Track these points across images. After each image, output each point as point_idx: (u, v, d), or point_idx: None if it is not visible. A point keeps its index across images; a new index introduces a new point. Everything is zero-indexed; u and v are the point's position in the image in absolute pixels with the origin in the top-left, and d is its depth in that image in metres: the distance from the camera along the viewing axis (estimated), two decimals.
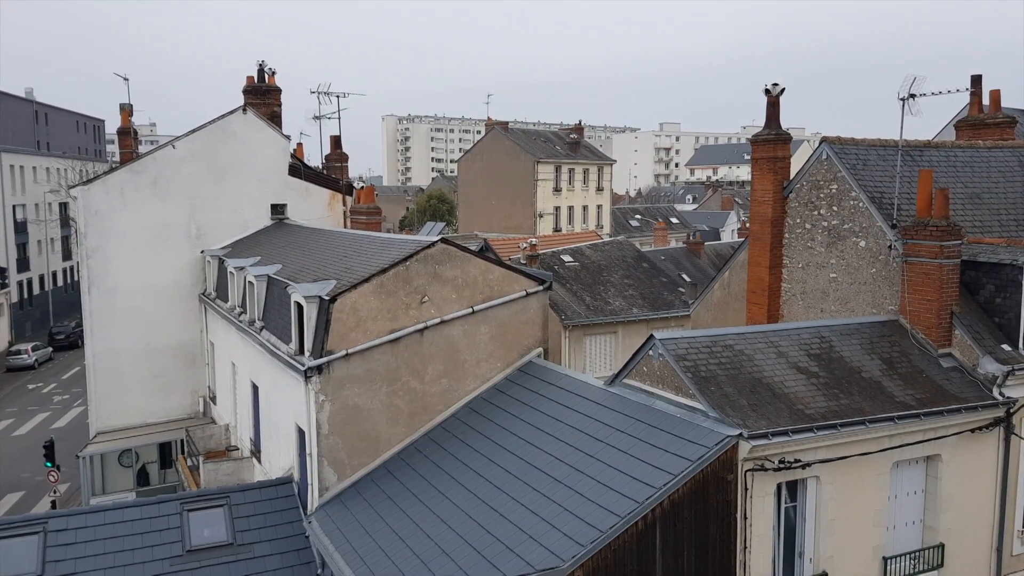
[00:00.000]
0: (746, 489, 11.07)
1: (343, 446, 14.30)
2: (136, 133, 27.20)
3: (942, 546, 12.80)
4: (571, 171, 59.56)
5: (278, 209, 25.05)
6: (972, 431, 12.82)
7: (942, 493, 12.76)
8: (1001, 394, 12.99)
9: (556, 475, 11.88)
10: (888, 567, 12.34)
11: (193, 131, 24.13)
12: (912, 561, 12.59)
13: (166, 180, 23.66)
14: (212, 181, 24.13)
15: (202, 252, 24.02)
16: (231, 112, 24.49)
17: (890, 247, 14.65)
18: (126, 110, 26.88)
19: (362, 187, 23.29)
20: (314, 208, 25.37)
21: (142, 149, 27.15)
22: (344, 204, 25.86)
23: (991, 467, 13.14)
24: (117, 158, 26.28)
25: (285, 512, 14.71)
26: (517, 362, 15.86)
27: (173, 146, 23.93)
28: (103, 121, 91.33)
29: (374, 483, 14.18)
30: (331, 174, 26.84)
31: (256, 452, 18.68)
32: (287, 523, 14.49)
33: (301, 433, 14.90)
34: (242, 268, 19.36)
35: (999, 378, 13.00)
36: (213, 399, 23.68)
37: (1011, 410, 13.05)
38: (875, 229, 15.00)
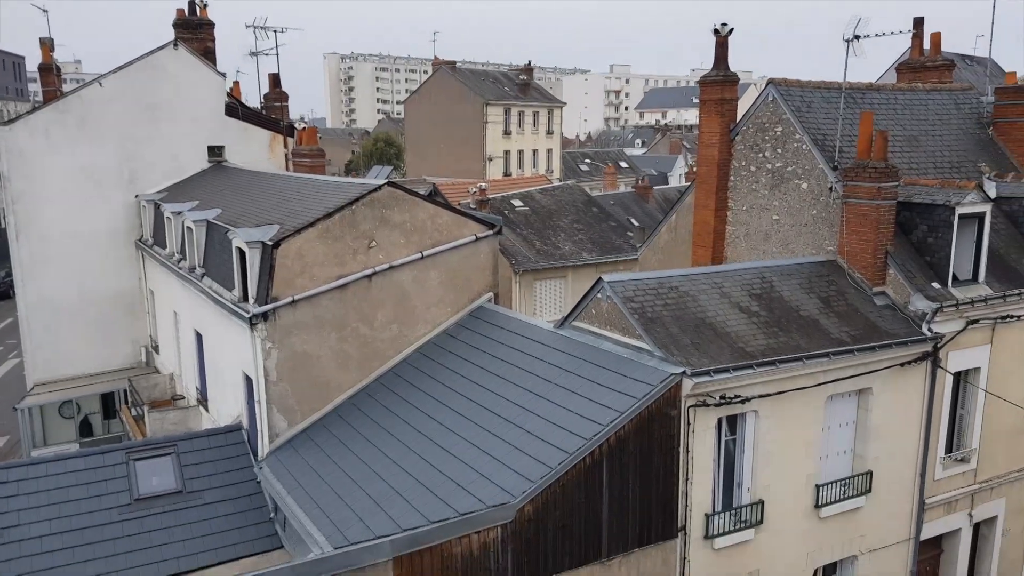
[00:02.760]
0: (688, 424, 11.47)
1: (292, 393, 14.21)
2: (59, 70, 25.63)
3: (870, 473, 13.56)
4: (521, 114, 58.80)
5: (216, 151, 24.13)
6: (902, 365, 13.46)
7: (872, 424, 13.45)
8: (930, 330, 13.62)
9: (507, 415, 12.07)
10: (820, 494, 13.04)
11: (121, 68, 22.89)
12: (842, 488, 13.32)
13: (94, 120, 22.48)
14: (144, 122, 23.04)
15: (136, 197, 23.10)
16: (161, 47, 23.25)
17: (831, 189, 14.99)
18: (47, 45, 25.21)
19: (304, 128, 22.58)
20: (254, 150, 24.50)
21: (67, 88, 25.64)
22: (286, 146, 25.05)
23: (918, 399, 13.87)
24: (40, 97, 24.75)
25: (235, 459, 14.63)
26: (467, 307, 15.88)
27: (100, 84, 22.67)
28: (23, 58, 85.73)
29: (325, 428, 14.19)
30: (270, 114, 25.89)
31: (203, 400, 18.44)
32: (237, 469, 14.43)
33: (249, 381, 14.74)
34: (179, 213, 18.72)
35: (928, 315, 13.61)
36: (156, 348, 23.15)
37: (938, 345, 13.73)
38: (817, 171, 15.31)
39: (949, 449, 14.77)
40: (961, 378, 14.63)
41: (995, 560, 15.87)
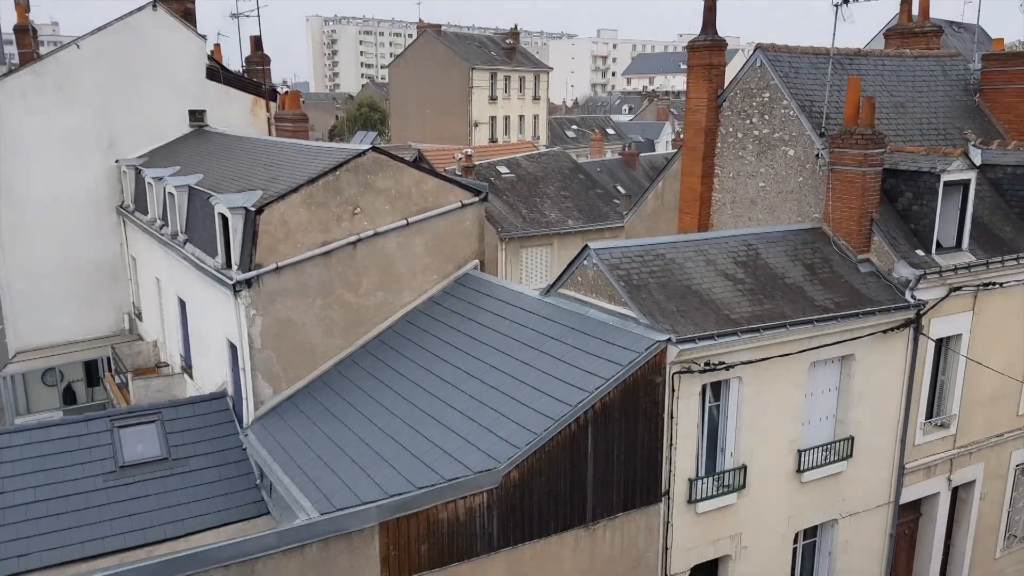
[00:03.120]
0: (673, 390, 11.54)
1: (277, 360, 14.15)
2: (35, 32, 24.91)
3: (852, 438, 13.75)
4: (507, 79, 58.10)
5: (197, 115, 23.66)
6: (884, 332, 13.57)
7: (854, 390, 13.60)
8: (913, 297, 13.72)
9: (492, 382, 12.09)
10: (802, 459, 13.22)
11: (98, 29, 22.30)
12: (824, 453, 13.51)
13: (72, 83, 21.94)
14: (123, 85, 22.52)
15: (117, 162, 22.67)
16: (139, 9, 22.66)
17: (817, 156, 14.94)
18: (21, 5, 24.47)
19: (287, 92, 22.17)
20: (236, 115, 24.06)
21: (43, 50, 24.97)
22: (268, 111, 24.62)
23: (900, 365, 14.03)
24: (16, 59, 24.13)
25: (220, 426, 14.62)
26: (453, 274, 15.80)
27: (77, 45, 22.08)
28: None
29: (311, 395, 14.17)
30: (252, 78, 25.39)
31: (187, 368, 18.34)
32: (223, 436, 14.42)
33: (233, 348, 14.65)
34: (161, 178, 18.41)
35: (911, 282, 13.70)
36: (139, 315, 22.95)
37: (921, 312, 13.84)
38: (804, 138, 15.24)
39: (930, 415, 14.98)
40: (943, 345, 14.79)
41: (973, 524, 16.23)
